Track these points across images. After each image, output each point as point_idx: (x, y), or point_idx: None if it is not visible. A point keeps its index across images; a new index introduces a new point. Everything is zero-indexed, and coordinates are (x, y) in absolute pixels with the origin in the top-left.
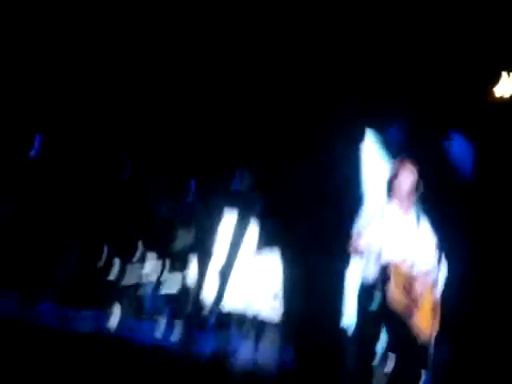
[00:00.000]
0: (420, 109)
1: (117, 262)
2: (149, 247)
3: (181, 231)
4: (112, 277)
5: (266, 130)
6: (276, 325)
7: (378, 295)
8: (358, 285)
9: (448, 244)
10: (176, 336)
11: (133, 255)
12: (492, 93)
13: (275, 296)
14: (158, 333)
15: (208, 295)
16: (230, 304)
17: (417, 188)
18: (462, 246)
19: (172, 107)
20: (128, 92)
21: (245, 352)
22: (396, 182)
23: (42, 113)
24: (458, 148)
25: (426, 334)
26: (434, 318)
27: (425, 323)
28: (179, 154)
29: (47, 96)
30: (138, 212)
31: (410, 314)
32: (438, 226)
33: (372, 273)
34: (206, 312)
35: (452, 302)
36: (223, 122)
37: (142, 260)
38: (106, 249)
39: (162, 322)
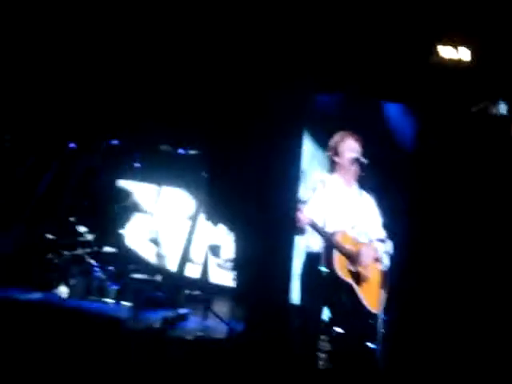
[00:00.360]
0: (357, 78)
1: (56, 240)
2: (89, 223)
3: (120, 204)
4: (55, 257)
5: (210, 108)
6: (225, 295)
7: (322, 267)
8: (303, 257)
9: (392, 216)
10: (125, 312)
11: (73, 232)
12: (431, 58)
13: (224, 266)
14: (107, 309)
15: (156, 268)
16: (178, 275)
17: (358, 160)
18: (406, 217)
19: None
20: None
21: (194, 321)
22: (338, 154)
23: None
24: (398, 116)
25: (372, 307)
26: (380, 290)
27: (371, 296)
28: (122, 120)
29: None
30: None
31: (356, 286)
32: (381, 197)
33: (316, 245)
34: (154, 285)
35: (399, 276)
36: (171, 95)
37: (83, 237)
38: (45, 227)
39: (110, 300)
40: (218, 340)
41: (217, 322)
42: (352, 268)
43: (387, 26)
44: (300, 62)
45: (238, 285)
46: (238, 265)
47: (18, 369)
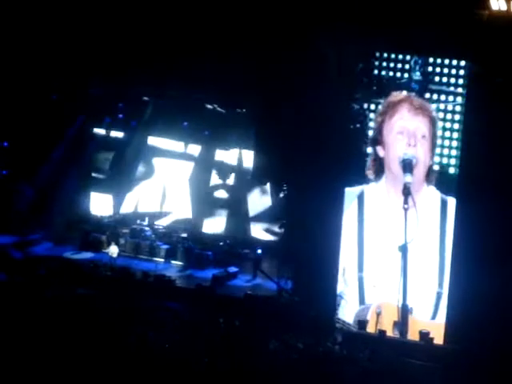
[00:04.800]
0: (404, 33)
1: (109, 202)
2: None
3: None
4: (105, 217)
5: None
6: (274, 253)
7: None
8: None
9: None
10: (175, 270)
11: (123, 195)
12: (480, 11)
13: (273, 227)
14: (157, 269)
15: (204, 229)
16: (226, 235)
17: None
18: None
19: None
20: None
21: (243, 280)
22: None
23: None
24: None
25: None
26: None
27: None
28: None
29: None
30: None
31: None
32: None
33: None
34: (202, 246)
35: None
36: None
37: (134, 200)
38: (95, 191)
39: (160, 260)
40: (266, 297)
41: (265, 281)
42: None
43: None
44: (350, 17)
45: (287, 243)
46: (288, 224)
47: (72, 324)
